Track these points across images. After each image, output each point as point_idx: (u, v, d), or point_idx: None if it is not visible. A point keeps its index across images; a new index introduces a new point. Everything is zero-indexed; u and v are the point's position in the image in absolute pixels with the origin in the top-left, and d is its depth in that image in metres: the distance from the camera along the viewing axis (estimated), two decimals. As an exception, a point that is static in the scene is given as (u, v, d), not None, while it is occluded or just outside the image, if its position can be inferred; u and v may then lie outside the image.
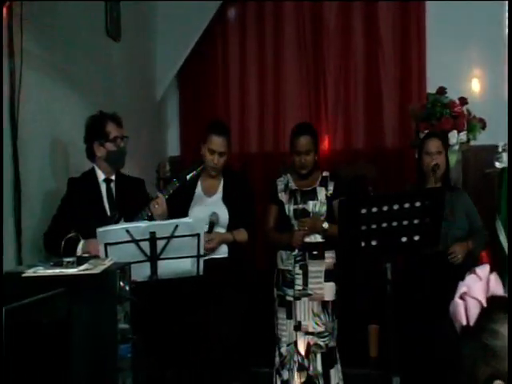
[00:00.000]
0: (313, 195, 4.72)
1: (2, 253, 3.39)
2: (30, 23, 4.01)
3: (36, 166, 4.23)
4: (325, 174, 4.81)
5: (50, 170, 4.44)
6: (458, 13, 6.61)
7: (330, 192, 4.72)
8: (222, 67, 7.19)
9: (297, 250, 4.64)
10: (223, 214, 4.47)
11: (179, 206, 4.32)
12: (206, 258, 4.32)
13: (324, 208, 4.68)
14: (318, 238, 4.68)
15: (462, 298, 1.51)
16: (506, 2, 6.64)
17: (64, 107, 4.66)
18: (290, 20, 7.08)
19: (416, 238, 3.75)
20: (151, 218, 4.01)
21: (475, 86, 6.65)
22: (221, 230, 4.45)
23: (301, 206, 4.69)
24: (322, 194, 4.72)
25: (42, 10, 4.26)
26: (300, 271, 4.65)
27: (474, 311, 1.47)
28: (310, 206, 4.70)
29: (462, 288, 1.50)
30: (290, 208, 4.71)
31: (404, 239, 3.74)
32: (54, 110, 4.51)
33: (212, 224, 4.39)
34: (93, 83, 5.14)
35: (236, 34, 7.17)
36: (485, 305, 1.48)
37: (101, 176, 4.27)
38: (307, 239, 4.65)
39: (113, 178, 4.30)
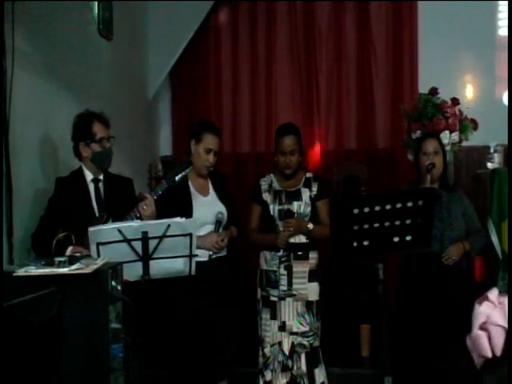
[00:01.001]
0: (297, 196, 4.72)
1: (1, 253, 3.39)
2: (22, 22, 3.99)
3: (27, 165, 4.22)
4: (308, 174, 4.81)
5: (40, 169, 4.43)
6: (450, 13, 6.64)
7: (314, 193, 4.72)
8: (214, 67, 7.19)
9: (282, 251, 4.64)
10: (225, 213, 4.49)
11: (181, 207, 4.31)
12: (213, 256, 4.41)
13: (308, 209, 4.69)
14: (302, 239, 4.69)
15: (482, 328, 1.42)
16: (499, 2, 6.67)
17: (55, 106, 4.64)
18: (283, 20, 7.10)
19: (408, 238, 3.74)
20: (140, 219, 4.00)
21: (467, 86, 6.67)
22: (211, 228, 4.45)
23: (286, 207, 4.69)
24: (306, 194, 4.72)
25: (33, 9, 4.25)
26: (285, 272, 4.65)
27: (499, 340, 1.38)
28: (295, 206, 4.69)
29: (480, 318, 1.40)
30: (274, 208, 4.70)
31: (396, 239, 3.74)
32: (45, 109, 4.49)
33: (219, 223, 4.42)
34: (84, 82, 5.13)
35: (228, 34, 7.18)
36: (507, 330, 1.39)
37: (89, 176, 4.23)
38: (292, 240, 4.65)
39: (101, 177, 4.28)
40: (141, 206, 3.97)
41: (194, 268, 3.90)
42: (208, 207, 4.46)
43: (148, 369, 4.45)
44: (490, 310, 1.39)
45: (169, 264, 3.80)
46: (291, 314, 4.65)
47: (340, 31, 7.00)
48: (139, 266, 3.72)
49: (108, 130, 4.23)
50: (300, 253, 4.67)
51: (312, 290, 4.69)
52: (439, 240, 4.46)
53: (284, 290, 4.65)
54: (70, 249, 3.78)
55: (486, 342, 1.36)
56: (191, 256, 3.86)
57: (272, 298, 4.68)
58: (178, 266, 3.86)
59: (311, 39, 7.03)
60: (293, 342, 4.64)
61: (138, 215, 4.01)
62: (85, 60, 5.16)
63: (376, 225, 3.69)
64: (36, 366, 2.69)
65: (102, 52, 5.55)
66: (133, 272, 3.67)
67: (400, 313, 4.59)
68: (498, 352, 1.36)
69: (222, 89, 7.18)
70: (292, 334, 4.65)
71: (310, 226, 4.64)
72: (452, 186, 4.82)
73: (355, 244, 3.72)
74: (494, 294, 1.45)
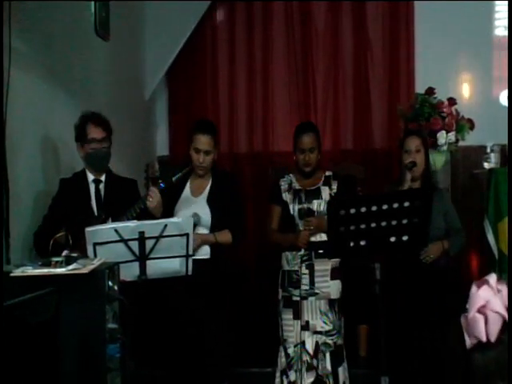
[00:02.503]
0: (317, 194, 4.71)
1: (1, 253, 3.39)
2: (19, 22, 3.99)
3: (26, 165, 4.21)
4: (328, 173, 4.81)
5: (40, 169, 4.43)
6: (447, 13, 6.64)
7: (334, 191, 4.72)
8: (211, 67, 7.18)
9: (303, 250, 4.62)
10: (205, 215, 4.42)
11: (165, 208, 4.29)
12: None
13: None
14: (323, 237, 4.66)
15: (479, 311, 1.42)
16: (495, 2, 6.68)
17: (52, 106, 4.64)
18: (279, 20, 7.09)
19: (405, 238, 3.75)
20: (139, 216, 4.00)
21: (464, 86, 6.67)
22: (204, 230, 4.43)
23: (306, 206, 4.67)
24: (325, 192, 4.71)
25: (30, 9, 4.24)
26: (306, 271, 4.63)
27: (496, 326, 1.37)
28: (315, 205, 4.68)
29: (478, 301, 1.40)
30: (294, 208, 4.69)
31: (393, 239, 3.75)
32: (42, 110, 4.49)
33: (194, 225, 4.37)
34: (81, 82, 5.13)
35: (225, 34, 7.17)
36: (506, 318, 1.40)
37: (90, 176, 4.28)
38: (312, 238, 4.63)
39: (102, 178, 4.30)
40: (147, 199, 3.98)
41: (190, 268, 3.90)
42: (189, 209, 4.42)
43: (144, 369, 4.45)
44: (489, 296, 1.40)
45: (165, 264, 3.81)
46: (314, 312, 4.64)
47: (337, 31, 6.99)
48: (136, 266, 3.73)
49: (103, 132, 4.23)
50: (321, 251, 4.65)
51: (334, 288, 4.68)
52: None
53: (306, 290, 4.62)
54: (64, 253, 3.79)
55: (482, 325, 1.37)
56: (188, 256, 3.86)
57: (294, 298, 4.66)
58: (175, 266, 3.86)
59: (308, 39, 7.02)
60: (317, 342, 4.63)
61: (142, 207, 4.02)
62: (81, 60, 5.15)
63: (373, 225, 3.70)
64: (33, 366, 2.69)
65: (99, 52, 5.55)
66: (130, 272, 3.68)
67: (389, 312, 4.60)
68: (493, 338, 1.38)
69: (219, 89, 7.17)
70: (316, 333, 4.63)
71: None
72: (434, 184, 4.82)
73: (352, 244, 3.73)
74: (493, 278, 1.46)
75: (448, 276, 4.58)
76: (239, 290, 5.10)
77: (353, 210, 3.66)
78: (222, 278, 4.44)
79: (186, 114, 7.04)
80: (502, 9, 6.70)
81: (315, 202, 4.69)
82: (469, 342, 1.41)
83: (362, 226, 3.69)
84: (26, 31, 4.22)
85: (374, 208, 3.67)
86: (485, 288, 1.41)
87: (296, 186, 4.76)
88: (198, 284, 4.27)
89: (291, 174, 4.83)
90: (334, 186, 4.74)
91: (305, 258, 4.63)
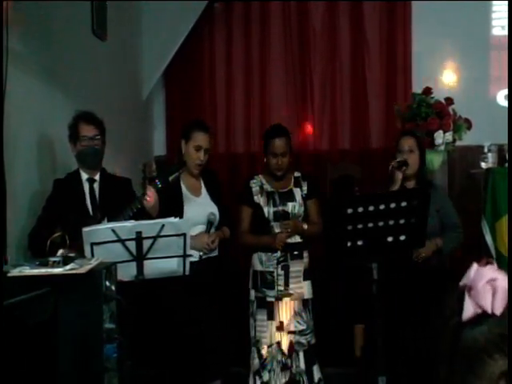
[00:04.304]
0: (290, 196, 4.73)
1: (1, 253, 3.38)
2: (16, 22, 3.98)
3: (23, 165, 4.21)
4: (296, 174, 4.82)
5: (36, 169, 4.43)
6: (444, 13, 6.65)
7: (305, 192, 4.75)
8: (208, 67, 7.19)
9: (278, 252, 4.65)
10: (217, 214, 4.49)
11: (172, 208, 4.30)
12: (204, 257, 4.37)
13: (302, 209, 4.72)
14: (297, 239, 4.71)
15: (489, 284, 1.39)
16: (492, 2, 6.68)
17: (49, 106, 4.64)
18: (277, 20, 7.09)
19: (402, 237, 3.76)
20: (135, 215, 4.00)
21: (461, 86, 6.68)
22: (202, 228, 4.46)
23: (281, 208, 4.70)
24: (298, 194, 4.74)
25: (28, 9, 4.24)
26: (282, 272, 4.66)
27: (503, 302, 1.38)
28: (290, 207, 4.71)
29: (485, 277, 1.40)
30: (269, 210, 4.70)
31: (390, 239, 3.75)
32: (39, 110, 4.48)
33: (211, 224, 4.42)
34: (79, 82, 5.12)
35: (222, 34, 7.17)
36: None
37: (84, 176, 4.28)
38: (288, 240, 4.66)
39: (96, 177, 4.30)
40: (144, 199, 3.99)
41: (188, 268, 3.91)
42: (200, 208, 4.46)
43: (142, 369, 4.45)
44: (496, 274, 1.39)
45: (163, 264, 3.81)
46: (289, 313, 4.66)
47: (334, 31, 7.00)
48: (133, 266, 3.73)
49: (95, 130, 4.24)
50: (296, 252, 4.69)
51: (307, 288, 4.73)
52: None
53: (281, 290, 4.65)
54: (60, 252, 3.79)
55: (490, 297, 1.37)
56: (185, 256, 3.86)
57: (269, 299, 4.68)
58: (172, 266, 3.86)
59: (305, 39, 7.03)
60: (291, 341, 4.65)
61: (139, 206, 4.02)
62: (78, 60, 5.14)
63: (370, 225, 3.70)
64: (30, 366, 2.69)
65: (96, 52, 5.55)
66: (127, 272, 3.67)
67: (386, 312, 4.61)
68: (498, 312, 1.37)
69: (216, 89, 7.17)
70: (290, 333, 4.66)
71: (305, 225, 4.69)
72: (429, 183, 4.81)
73: (349, 244, 3.73)
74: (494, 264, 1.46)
75: (441, 275, 4.56)
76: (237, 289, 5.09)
77: (350, 210, 3.66)
78: (228, 275, 4.51)
79: (184, 113, 7.04)
80: (499, 9, 6.71)
81: (289, 204, 4.72)
82: (467, 312, 1.40)
83: (360, 226, 3.70)
84: (23, 31, 4.21)
85: (371, 208, 3.67)
86: (490, 267, 1.42)
87: (268, 188, 4.76)
88: (203, 283, 4.32)
89: (260, 175, 4.82)
90: (305, 187, 4.77)
91: (281, 259, 4.66)
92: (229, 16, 7.16)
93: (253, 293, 4.75)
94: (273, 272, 4.67)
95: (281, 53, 7.09)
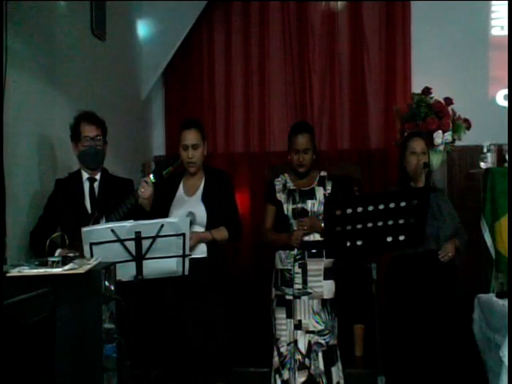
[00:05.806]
0: (311, 194, 4.71)
1: (2, 253, 3.38)
2: (15, 22, 3.98)
3: (23, 165, 4.22)
4: (322, 173, 4.81)
5: (36, 169, 4.43)
6: (443, 13, 6.65)
7: (329, 191, 4.72)
8: (207, 67, 7.19)
9: (296, 250, 4.63)
10: (201, 213, 4.41)
11: (159, 208, 4.29)
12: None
13: (322, 207, 4.67)
14: (316, 237, 4.67)
15: None
16: (491, 2, 6.69)
17: (49, 106, 4.64)
18: (276, 20, 7.10)
19: (401, 237, 3.75)
20: (130, 211, 4.01)
21: (460, 86, 6.67)
22: (199, 228, 4.42)
23: (299, 206, 4.68)
24: (320, 193, 4.71)
25: (27, 8, 4.24)
26: (299, 270, 4.63)
27: None
28: (309, 205, 4.69)
29: None
30: (288, 207, 4.70)
31: (389, 239, 3.75)
32: (38, 110, 4.49)
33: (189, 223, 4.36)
34: (78, 82, 5.13)
35: (222, 34, 7.18)
36: None
37: (85, 175, 4.30)
38: (306, 238, 4.64)
39: (97, 177, 4.31)
40: (140, 190, 3.98)
41: (187, 268, 3.90)
42: (183, 208, 4.41)
43: (141, 368, 4.44)
44: None
45: (162, 264, 3.81)
46: (307, 312, 4.64)
47: (333, 31, 7.00)
48: (132, 266, 3.72)
49: (96, 130, 4.25)
50: (314, 251, 4.66)
51: (327, 288, 4.68)
52: (435, 238, 4.48)
53: (299, 289, 4.62)
54: (58, 251, 3.80)
55: None
56: (184, 256, 3.86)
57: (287, 297, 4.66)
58: (171, 266, 3.86)
59: (304, 39, 7.03)
60: (309, 341, 4.63)
61: (126, 210, 4.02)
62: (78, 60, 5.15)
63: (369, 225, 3.69)
64: (29, 367, 2.69)
65: (95, 52, 5.55)
66: (126, 272, 3.67)
67: (392, 312, 4.60)
68: None
69: (215, 89, 7.18)
70: (308, 332, 4.64)
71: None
72: (433, 185, 4.84)
73: (348, 244, 3.73)
74: None
75: (455, 275, 4.62)
76: (237, 290, 5.09)
77: (349, 210, 3.66)
78: (219, 277, 4.43)
79: (183, 113, 7.03)
80: (498, 9, 6.72)
81: (309, 202, 4.69)
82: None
83: (359, 226, 3.69)
84: (22, 31, 4.21)
85: (370, 208, 3.66)
86: None
87: (291, 185, 4.76)
88: (195, 283, 4.27)
89: (286, 174, 4.83)
90: (329, 187, 4.74)
91: (298, 257, 4.64)
92: (228, 16, 7.16)
93: (273, 291, 4.75)
94: (291, 270, 4.65)
95: (280, 53, 7.10)
